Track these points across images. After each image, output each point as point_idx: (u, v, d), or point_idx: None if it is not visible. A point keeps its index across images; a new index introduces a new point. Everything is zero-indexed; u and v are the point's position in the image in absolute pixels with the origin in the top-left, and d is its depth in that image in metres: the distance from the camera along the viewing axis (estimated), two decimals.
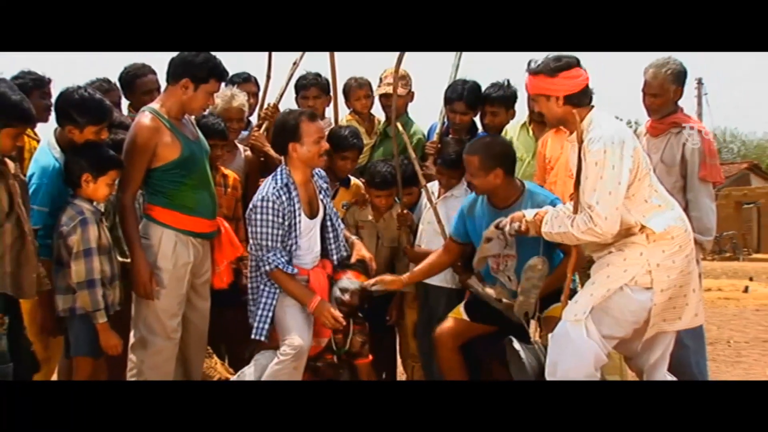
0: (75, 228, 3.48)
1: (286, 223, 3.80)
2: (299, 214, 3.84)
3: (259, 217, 3.76)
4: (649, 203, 3.32)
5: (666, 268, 3.29)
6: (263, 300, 3.84)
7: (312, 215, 3.92)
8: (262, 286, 3.87)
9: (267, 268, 3.79)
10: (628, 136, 3.31)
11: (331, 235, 4.01)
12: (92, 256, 3.48)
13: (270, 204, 3.75)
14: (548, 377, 3.39)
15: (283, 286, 3.81)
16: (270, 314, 3.81)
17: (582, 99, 3.36)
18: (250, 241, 3.87)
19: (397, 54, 4.29)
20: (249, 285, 3.94)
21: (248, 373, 3.83)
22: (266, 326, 3.80)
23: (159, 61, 4.70)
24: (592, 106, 3.40)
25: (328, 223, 4.00)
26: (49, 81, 4.08)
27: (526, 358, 3.51)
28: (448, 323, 3.97)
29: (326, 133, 4.02)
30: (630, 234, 3.31)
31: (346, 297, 3.86)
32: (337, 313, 3.78)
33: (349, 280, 3.88)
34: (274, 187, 3.80)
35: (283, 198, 3.78)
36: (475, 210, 3.96)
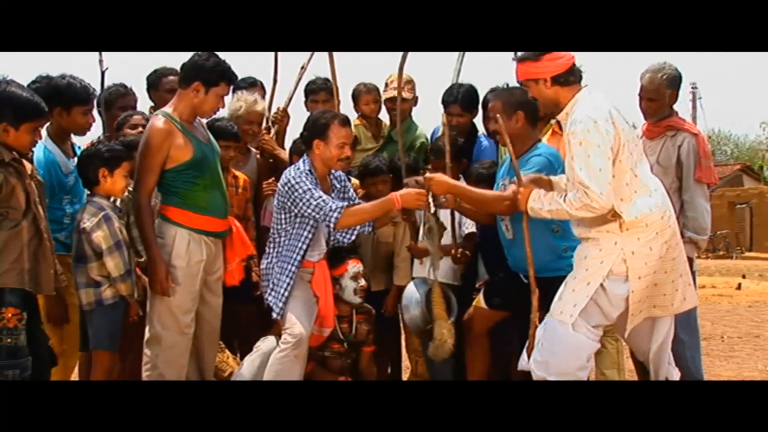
0: (99, 224, 3.60)
1: None
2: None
3: (299, 187, 3.81)
4: (628, 187, 3.32)
5: (643, 255, 3.31)
6: (281, 279, 3.87)
7: None
8: (278, 269, 3.92)
9: (336, 215, 3.76)
10: (611, 114, 3.31)
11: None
12: (122, 248, 3.64)
13: (303, 176, 3.85)
14: (539, 371, 3.40)
15: (360, 216, 3.87)
16: (286, 294, 3.85)
17: (568, 78, 3.41)
18: (302, 206, 3.82)
19: (400, 55, 4.39)
20: (264, 269, 3.99)
21: (252, 359, 3.95)
22: (281, 305, 3.85)
23: (163, 61, 4.84)
24: (585, 86, 3.44)
25: None
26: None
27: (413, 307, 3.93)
28: (472, 311, 4.07)
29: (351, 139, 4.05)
30: (605, 220, 3.33)
31: (362, 282, 4.06)
32: (422, 190, 3.77)
33: (354, 266, 4.05)
34: (298, 169, 3.90)
35: (310, 178, 3.88)
36: (505, 162, 4.02)
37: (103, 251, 3.60)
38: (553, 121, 4.41)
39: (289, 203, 3.88)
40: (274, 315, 3.90)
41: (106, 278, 3.64)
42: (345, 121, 3.98)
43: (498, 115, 3.79)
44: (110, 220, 3.63)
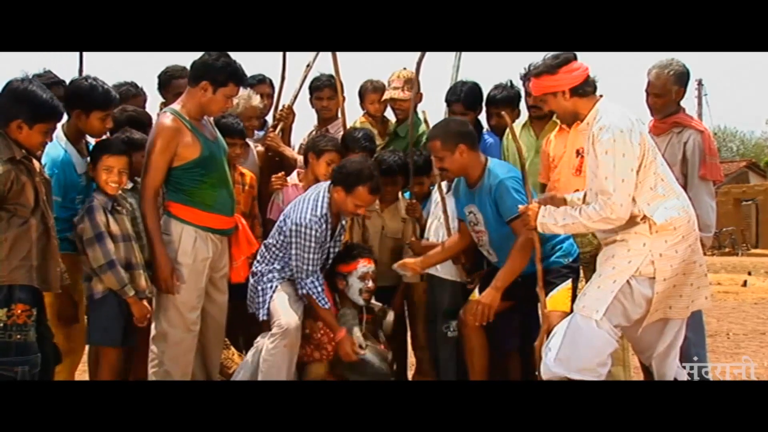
0: (83, 216, 3.63)
1: (322, 248, 3.97)
2: (329, 240, 4.03)
3: (301, 241, 3.88)
4: (654, 191, 3.37)
5: (669, 258, 3.36)
6: (265, 287, 3.99)
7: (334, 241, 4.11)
8: (265, 278, 4.00)
9: (304, 291, 3.93)
10: (635, 123, 3.38)
11: (332, 251, 4.17)
12: (104, 239, 3.60)
13: (312, 231, 3.88)
14: (559, 369, 3.42)
15: (313, 306, 3.96)
16: (269, 300, 3.95)
17: (586, 89, 3.45)
18: (293, 255, 3.93)
19: (405, 54, 4.44)
20: (252, 270, 4.04)
21: (250, 356, 3.98)
22: (266, 308, 3.96)
23: (171, 61, 4.84)
24: (600, 96, 3.49)
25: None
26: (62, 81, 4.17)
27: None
28: (467, 304, 4.08)
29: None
30: (634, 223, 3.37)
31: (369, 284, 4.07)
32: (357, 349, 3.96)
33: (364, 266, 4.06)
34: (315, 215, 3.91)
35: (324, 226, 3.92)
36: (459, 189, 4.08)
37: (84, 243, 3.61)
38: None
39: (287, 243, 3.95)
40: (260, 318, 3.97)
41: (94, 271, 3.63)
42: (375, 190, 3.95)
43: (504, 113, 3.83)
44: (92, 212, 3.61)
